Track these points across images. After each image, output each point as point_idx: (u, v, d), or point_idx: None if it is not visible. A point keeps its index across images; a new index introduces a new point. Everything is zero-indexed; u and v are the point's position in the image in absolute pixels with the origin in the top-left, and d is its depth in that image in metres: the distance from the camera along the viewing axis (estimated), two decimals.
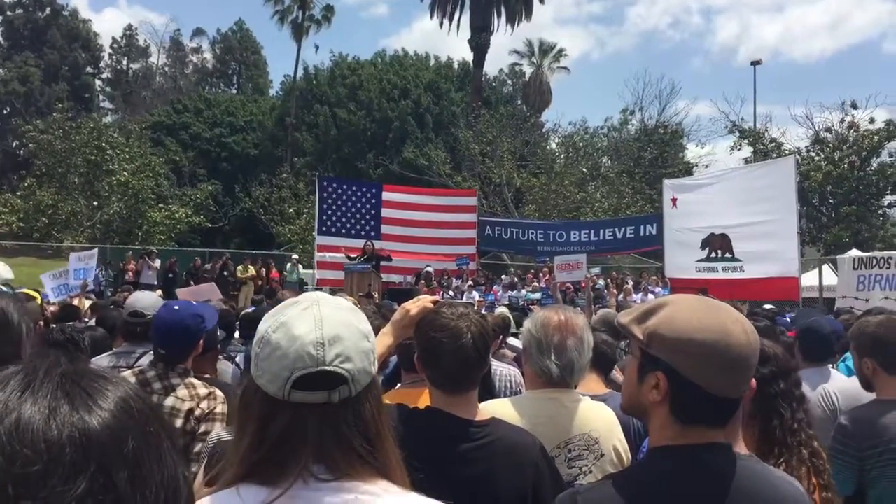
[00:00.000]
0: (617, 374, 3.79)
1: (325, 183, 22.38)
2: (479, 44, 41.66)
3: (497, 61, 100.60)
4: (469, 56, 45.03)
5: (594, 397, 2.77)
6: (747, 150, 32.47)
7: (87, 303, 7.85)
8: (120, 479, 0.68)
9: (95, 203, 33.21)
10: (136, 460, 0.70)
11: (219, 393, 3.45)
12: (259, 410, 1.33)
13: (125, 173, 33.05)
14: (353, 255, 18.47)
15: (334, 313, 1.37)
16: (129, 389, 0.77)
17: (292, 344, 1.30)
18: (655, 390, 1.58)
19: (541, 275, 21.36)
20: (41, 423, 0.67)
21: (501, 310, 8.45)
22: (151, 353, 3.65)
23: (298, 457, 1.29)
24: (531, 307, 14.84)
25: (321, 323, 1.33)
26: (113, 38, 71.19)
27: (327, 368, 1.29)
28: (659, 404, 1.60)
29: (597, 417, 2.63)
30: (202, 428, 3.29)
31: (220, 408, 3.39)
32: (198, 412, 3.30)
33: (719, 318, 1.57)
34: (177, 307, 3.61)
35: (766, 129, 32.54)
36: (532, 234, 23.12)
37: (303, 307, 1.37)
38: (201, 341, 3.58)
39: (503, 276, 22.37)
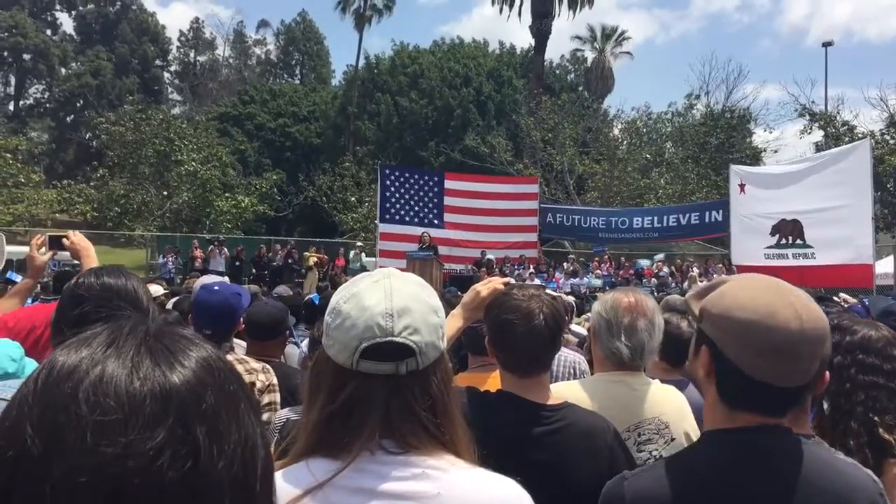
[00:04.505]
0: None
1: (386, 171, 22.54)
2: (541, 30, 41.19)
3: (558, 47, 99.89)
4: (529, 42, 44.72)
5: (664, 381, 2.70)
6: (818, 134, 31.44)
7: (160, 289, 8.04)
8: (199, 432, 0.70)
9: (165, 193, 34.07)
10: (215, 416, 0.73)
11: (268, 367, 3.53)
12: (328, 381, 1.34)
13: (193, 163, 33.75)
14: (412, 245, 18.62)
15: (404, 286, 1.37)
16: (211, 350, 0.80)
17: (362, 314, 1.31)
18: (702, 366, 1.55)
19: (603, 264, 21.17)
20: (124, 376, 0.70)
21: (563, 295, 8.35)
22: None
23: (366, 429, 1.29)
24: (594, 294, 14.71)
25: (391, 295, 1.33)
26: (180, 31, 73.16)
27: (395, 339, 1.30)
28: (708, 382, 1.56)
29: (667, 401, 2.57)
30: (266, 399, 3.39)
31: (275, 379, 3.48)
32: (259, 384, 3.38)
33: (768, 299, 1.46)
34: (216, 287, 3.59)
35: (838, 112, 31.46)
36: (594, 220, 22.91)
37: (374, 280, 1.39)
38: (242, 319, 3.63)
39: (565, 264, 22.22)
